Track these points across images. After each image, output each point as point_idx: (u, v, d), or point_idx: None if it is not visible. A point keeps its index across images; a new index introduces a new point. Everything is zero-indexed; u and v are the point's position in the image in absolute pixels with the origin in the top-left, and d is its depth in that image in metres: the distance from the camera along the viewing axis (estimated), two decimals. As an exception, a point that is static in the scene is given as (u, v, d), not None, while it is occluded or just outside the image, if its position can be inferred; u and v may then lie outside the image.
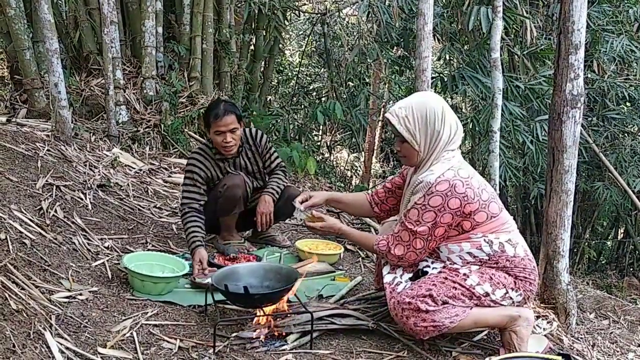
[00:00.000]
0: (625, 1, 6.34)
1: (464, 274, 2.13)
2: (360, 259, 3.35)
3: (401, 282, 2.21)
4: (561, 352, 2.42)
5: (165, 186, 4.28)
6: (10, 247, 2.31)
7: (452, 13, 5.89)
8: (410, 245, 2.15)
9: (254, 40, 6.56)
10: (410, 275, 2.24)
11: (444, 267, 2.19)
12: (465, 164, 2.21)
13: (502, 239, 2.14)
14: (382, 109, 9.00)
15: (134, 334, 2.07)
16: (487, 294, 2.11)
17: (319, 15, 7.46)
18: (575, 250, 7.08)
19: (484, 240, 2.13)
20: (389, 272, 2.27)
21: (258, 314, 2.24)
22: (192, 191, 3.02)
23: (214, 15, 5.63)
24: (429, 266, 2.22)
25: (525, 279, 2.15)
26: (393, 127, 2.18)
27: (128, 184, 3.91)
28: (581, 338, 2.82)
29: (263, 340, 2.15)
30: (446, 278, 2.12)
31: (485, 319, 2.16)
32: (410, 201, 2.18)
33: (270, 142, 3.29)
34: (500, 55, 4.71)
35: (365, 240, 2.38)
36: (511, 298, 2.15)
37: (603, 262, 8.14)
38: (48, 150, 3.75)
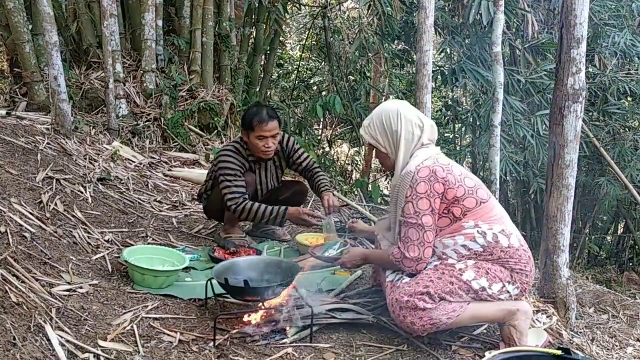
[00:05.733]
0: (628, -5, 6.31)
1: (460, 269, 2.12)
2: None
3: (403, 278, 2.21)
4: (560, 346, 2.41)
5: (166, 180, 4.28)
6: (11, 240, 2.31)
7: (453, 6, 5.86)
8: (422, 241, 2.13)
9: (254, 34, 6.53)
10: None
11: (440, 262, 2.19)
12: (443, 155, 2.28)
13: (496, 229, 2.15)
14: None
15: (134, 327, 2.07)
16: (483, 289, 2.11)
17: (319, 8, 7.43)
18: (575, 244, 7.09)
19: (477, 231, 2.13)
20: (392, 272, 2.27)
21: (258, 307, 2.25)
22: (238, 185, 3.00)
23: (214, 8, 5.61)
24: None
25: (521, 270, 2.15)
26: (363, 138, 2.39)
27: (128, 178, 3.91)
28: (580, 332, 2.83)
29: (263, 333, 2.15)
30: (443, 273, 2.12)
31: (483, 314, 2.16)
32: (398, 198, 2.21)
33: (298, 143, 3.28)
34: (502, 49, 4.69)
35: (382, 256, 2.31)
36: (508, 292, 2.15)
37: (603, 256, 8.16)
38: (48, 143, 3.75)
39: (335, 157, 8.99)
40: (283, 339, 2.14)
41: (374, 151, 2.39)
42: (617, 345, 2.88)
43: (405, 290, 2.12)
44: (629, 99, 6.74)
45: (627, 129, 6.75)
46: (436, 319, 2.08)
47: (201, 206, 3.43)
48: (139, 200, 3.65)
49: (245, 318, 2.23)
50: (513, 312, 2.15)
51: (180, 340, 2.06)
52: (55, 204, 2.94)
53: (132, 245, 2.90)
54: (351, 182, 7.98)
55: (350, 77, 7.66)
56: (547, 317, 2.74)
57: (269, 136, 2.98)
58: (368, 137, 2.33)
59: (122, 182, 3.82)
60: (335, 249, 2.49)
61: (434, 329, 2.11)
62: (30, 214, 2.68)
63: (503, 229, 2.16)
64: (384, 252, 2.30)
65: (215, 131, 5.33)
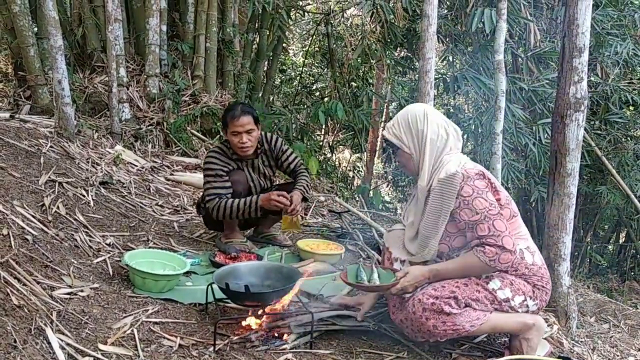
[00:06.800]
0: (630, 5, 6.33)
1: (486, 277, 2.11)
2: (361, 259, 3.35)
3: (424, 287, 2.14)
4: (562, 355, 2.42)
5: (167, 184, 4.29)
6: (13, 243, 2.32)
7: (456, 15, 5.89)
8: (510, 231, 2.05)
9: (257, 40, 6.56)
10: None
11: None
12: (477, 164, 2.25)
13: (522, 245, 2.15)
14: (385, 110, 9.01)
15: (135, 331, 2.07)
16: (507, 300, 2.10)
17: (323, 15, 7.47)
18: (576, 253, 7.06)
19: None
20: None
21: (259, 313, 2.24)
22: (216, 186, 3.03)
23: (218, 14, 5.64)
24: None
25: (542, 288, 2.15)
26: (385, 139, 2.33)
27: (130, 182, 3.92)
28: (581, 342, 2.82)
29: (263, 339, 2.15)
30: (470, 279, 2.10)
31: (502, 325, 2.14)
32: (442, 203, 2.10)
33: (286, 144, 3.29)
34: (504, 57, 4.70)
35: (462, 263, 2.10)
36: (527, 306, 2.14)
37: (604, 266, 8.12)
38: (51, 146, 3.76)
39: (337, 163, 8.99)
40: (283, 344, 2.14)
41: (397, 152, 2.28)
42: (618, 355, 2.86)
43: (431, 293, 2.07)
44: (631, 108, 6.74)
45: (628, 138, 6.75)
46: (459, 325, 2.05)
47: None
48: (141, 204, 3.65)
49: (246, 323, 2.23)
50: (529, 326, 2.14)
51: (180, 345, 2.05)
52: (58, 207, 2.95)
53: (134, 249, 2.90)
54: (353, 188, 7.98)
55: (353, 83, 7.69)
56: (548, 326, 2.73)
57: (243, 132, 2.98)
58: (391, 137, 2.26)
59: (124, 186, 3.82)
60: (365, 272, 2.36)
61: (454, 335, 2.08)
62: (33, 216, 2.69)
63: (528, 246, 2.17)
64: (463, 258, 2.09)
65: (218, 136, 5.35)
